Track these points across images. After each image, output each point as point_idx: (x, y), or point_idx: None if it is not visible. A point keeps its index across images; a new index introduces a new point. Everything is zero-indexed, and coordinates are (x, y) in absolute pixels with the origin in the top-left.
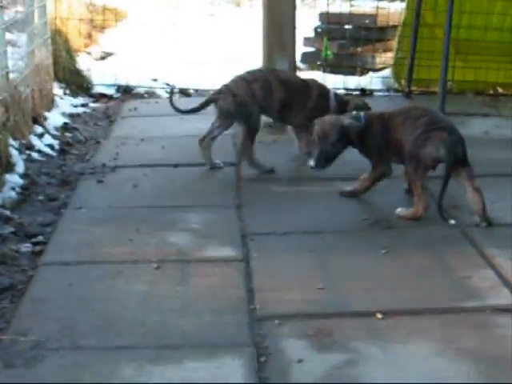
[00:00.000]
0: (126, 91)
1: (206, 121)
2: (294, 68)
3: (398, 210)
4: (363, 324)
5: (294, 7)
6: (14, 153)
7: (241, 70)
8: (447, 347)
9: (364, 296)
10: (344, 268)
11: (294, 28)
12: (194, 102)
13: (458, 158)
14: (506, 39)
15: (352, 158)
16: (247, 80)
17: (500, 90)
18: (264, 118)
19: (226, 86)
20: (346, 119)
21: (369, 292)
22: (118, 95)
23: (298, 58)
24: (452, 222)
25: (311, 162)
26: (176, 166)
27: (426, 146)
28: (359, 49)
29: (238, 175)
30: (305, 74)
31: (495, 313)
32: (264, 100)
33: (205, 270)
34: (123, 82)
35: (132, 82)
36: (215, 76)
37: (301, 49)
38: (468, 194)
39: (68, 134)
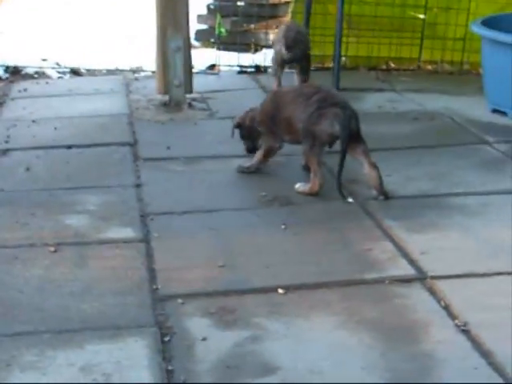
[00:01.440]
0: (15, 72)
1: (98, 101)
2: (189, 45)
3: (297, 185)
4: (265, 300)
5: None
6: None
7: (135, 49)
8: (349, 319)
9: (265, 272)
10: (244, 245)
11: (187, 5)
12: (86, 83)
13: (353, 132)
14: (397, 14)
15: None
16: None
17: (392, 65)
18: (160, 98)
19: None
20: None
21: (270, 268)
22: (7, 76)
23: (192, 35)
24: (350, 199)
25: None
26: (69, 147)
27: (320, 123)
28: (252, 26)
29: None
30: (199, 52)
31: (394, 284)
32: None
33: (104, 252)
34: (12, 62)
35: (21, 63)
36: (109, 55)
37: (194, 26)
38: (365, 169)
39: None
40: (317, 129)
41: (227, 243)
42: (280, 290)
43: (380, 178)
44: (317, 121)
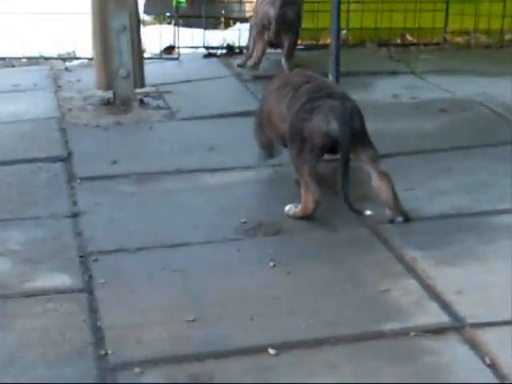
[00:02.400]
0: None
1: (18, 101)
2: (138, 22)
3: (287, 207)
4: (252, 363)
5: None
6: None
7: (64, 28)
8: None
9: (250, 326)
10: (220, 291)
11: None
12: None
13: (356, 132)
14: None
15: (222, 141)
16: None
17: (409, 39)
18: (101, 94)
19: None
20: None
21: (256, 320)
22: None
23: (140, 8)
24: (368, 212)
25: None
26: None
27: (311, 119)
28: None
29: None
30: (151, 30)
31: (422, 336)
32: None
33: (33, 307)
34: None
35: None
36: (29, 38)
37: None
38: (373, 182)
39: None
40: (306, 127)
41: (197, 289)
42: (270, 350)
43: (394, 192)
44: (306, 116)
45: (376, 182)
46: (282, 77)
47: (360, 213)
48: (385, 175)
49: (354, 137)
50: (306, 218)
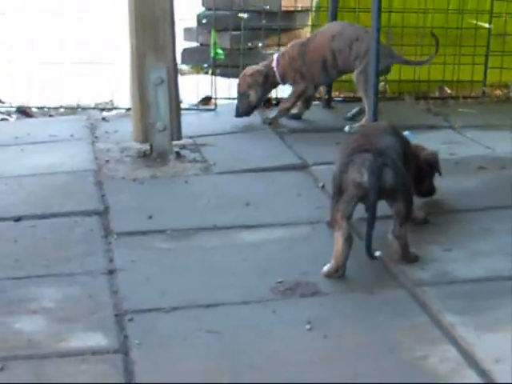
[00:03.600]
0: None
1: (54, 152)
2: (176, 75)
3: (325, 267)
4: None
5: None
6: None
7: (103, 78)
8: None
9: None
10: (256, 354)
11: (172, 22)
12: (38, 126)
13: (387, 186)
14: (453, 23)
15: (259, 196)
16: None
17: (448, 92)
18: (138, 146)
19: None
20: None
21: None
22: None
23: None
24: (377, 253)
25: None
26: (17, 219)
27: (347, 171)
28: (259, 43)
29: None
30: (188, 80)
31: None
32: None
33: (67, 369)
34: None
35: None
36: (67, 88)
37: (180, 44)
38: (388, 235)
39: None
40: (343, 177)
41: (232, 351)
42: None
43: (402, 254)
44: (344, 168)
45: (390, 236)
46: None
47: (371, 256)
48: (399, 234)
49: (384, 190)
50: (339, 267)
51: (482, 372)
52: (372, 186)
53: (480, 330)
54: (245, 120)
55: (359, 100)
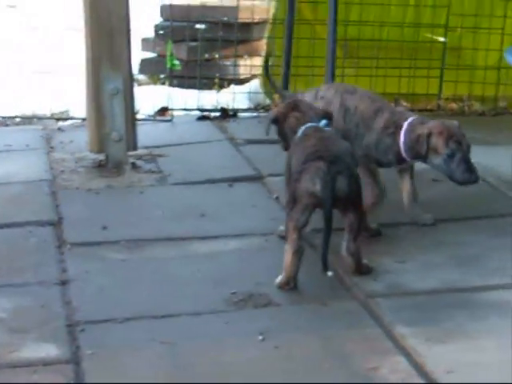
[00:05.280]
0: None
1: (8, 162)
2: (131, 85)
3: (278, 279)
4: None
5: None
6: None
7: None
8: None
9: None
10: (209, 364)
11: (128, 32)
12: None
13: (342, 195)
14: (408, 37)
15: (214, 207)
16: None
17: (404, 104)
18: (93, 157)
19: None
20: None
21: None
22: None
23: (135, 67)
24: (329, 273)
25: None
26: None
27: (300, 179)
28: (216, 54)
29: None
30: (145, 90)
31: None
32: None
33: (18, 379)
34: None
35: None
36: (22, 97)
37: (138, 54)
38: (342, 251)
39: None
40: (297, 187)
41: (185, 363)
42: None
43: (356, 268)
44: (298, 177)
45: (343, 251)
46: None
47: (325, 269)
48: (353, 250)
49: (339, 200)
50: (290, 279)
51: (431, 383)
52: (325, 196)
53: (431, 341)
54: (201, 131)
55: None
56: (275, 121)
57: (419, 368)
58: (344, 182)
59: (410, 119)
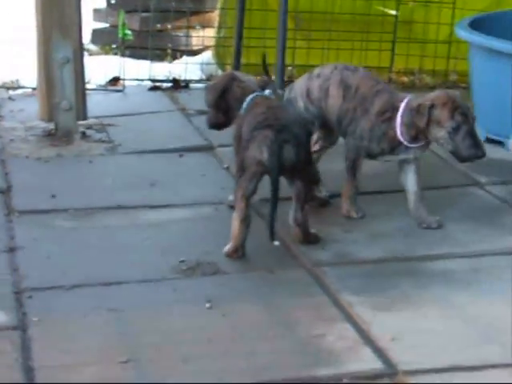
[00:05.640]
0: None
1: None
2: (82, 54)
3: (227, 246)
4: None
5: None
6: None
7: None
8: None
9: (183, 369)
10: (155, 332)
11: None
12: None
13: (289, 163)
14: (360, 10)
15: (164, 176)
16: None
17: None
18: (43, 125)
19: None
20: None
21: (190, 363)
22: None
23: (87, 37)
24: (276, 243)
25: None
26: None
27: (248, 147)
28: (169, 25)
29: None
30: (96, 61)
31: (355, 381)
32: None
33: None
34: None
35: None
36: None
37: (90, 25)
38: (289, 219)
39: None
40: (245, 155)
41: (132, 330)
42: None
43: (304, 238)
44: (246, 145)
45: (291, 220)
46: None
47: (272, 239)
48: (300, 220)
49: (286, 168)
50: (237, 247)
51: (377, 349)
52: (272, 165)
53: (377, 309)
54: (152, 102)
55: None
56: (224, 91)
57: (365, 335)
58: (291, 151)
59: (406, 99)
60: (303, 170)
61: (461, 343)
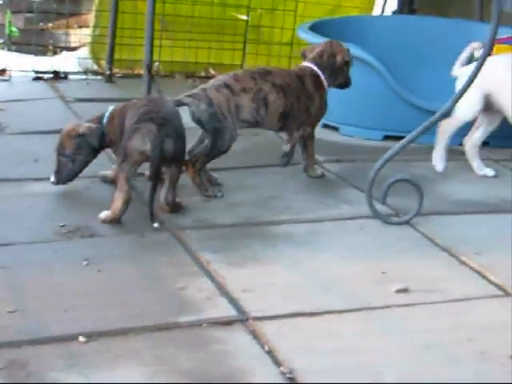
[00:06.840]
0: None
1: None
2: None
3: (102, 214)
4: (64, 350)
5: None
6: None
7: None
8: (161, 370)
9: (64, 317)
10: (39, 286)
11: None
12: None
13: (169, 154)
14: (216, 15)
15: (46, 153)
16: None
17: (212, 72)
18: None
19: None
20: (82, 126)
21: (69, 312)
22: None
23: None
24: (155, 225)
25: (52, 178)
26: None
27: (132, 138)
28: (50, 24)
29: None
30: None
31: (212, 327)
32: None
33: None
34: None
35: None
36: None
37: None
38: (160, 197)
39: None
40: (129, 144)
41: (18, 284)
42: (81, 338)
43: (170, 209)
44: (130, 134)
45: (161, 198)
46: (135, 101)
47: (152, 221)
48: (168, 204)
49: (167, 158)
50: (115, 219)
51: (231, 299)
52: (154, 156)
53: (231, 265)
54: (36, 90)
55: (137, 76)
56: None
57: (221, 287)
58: (171, 144)
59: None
60: (179, 159)
61: (303, 293)
